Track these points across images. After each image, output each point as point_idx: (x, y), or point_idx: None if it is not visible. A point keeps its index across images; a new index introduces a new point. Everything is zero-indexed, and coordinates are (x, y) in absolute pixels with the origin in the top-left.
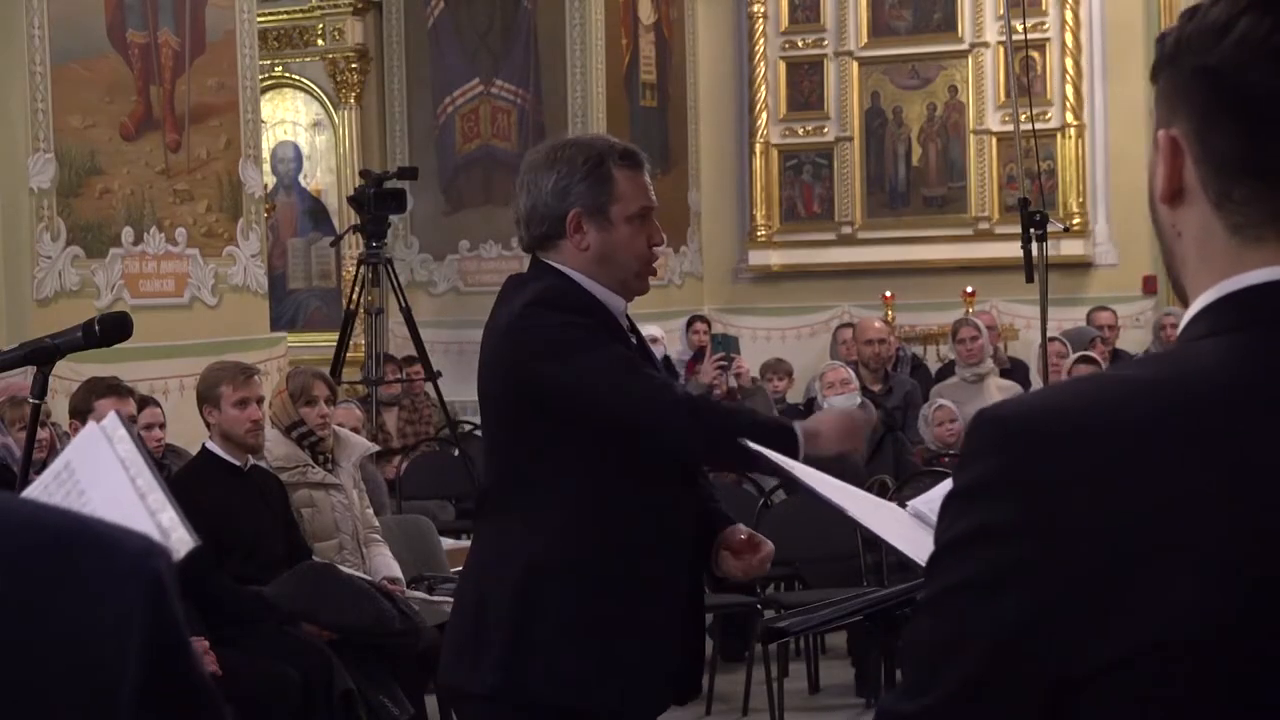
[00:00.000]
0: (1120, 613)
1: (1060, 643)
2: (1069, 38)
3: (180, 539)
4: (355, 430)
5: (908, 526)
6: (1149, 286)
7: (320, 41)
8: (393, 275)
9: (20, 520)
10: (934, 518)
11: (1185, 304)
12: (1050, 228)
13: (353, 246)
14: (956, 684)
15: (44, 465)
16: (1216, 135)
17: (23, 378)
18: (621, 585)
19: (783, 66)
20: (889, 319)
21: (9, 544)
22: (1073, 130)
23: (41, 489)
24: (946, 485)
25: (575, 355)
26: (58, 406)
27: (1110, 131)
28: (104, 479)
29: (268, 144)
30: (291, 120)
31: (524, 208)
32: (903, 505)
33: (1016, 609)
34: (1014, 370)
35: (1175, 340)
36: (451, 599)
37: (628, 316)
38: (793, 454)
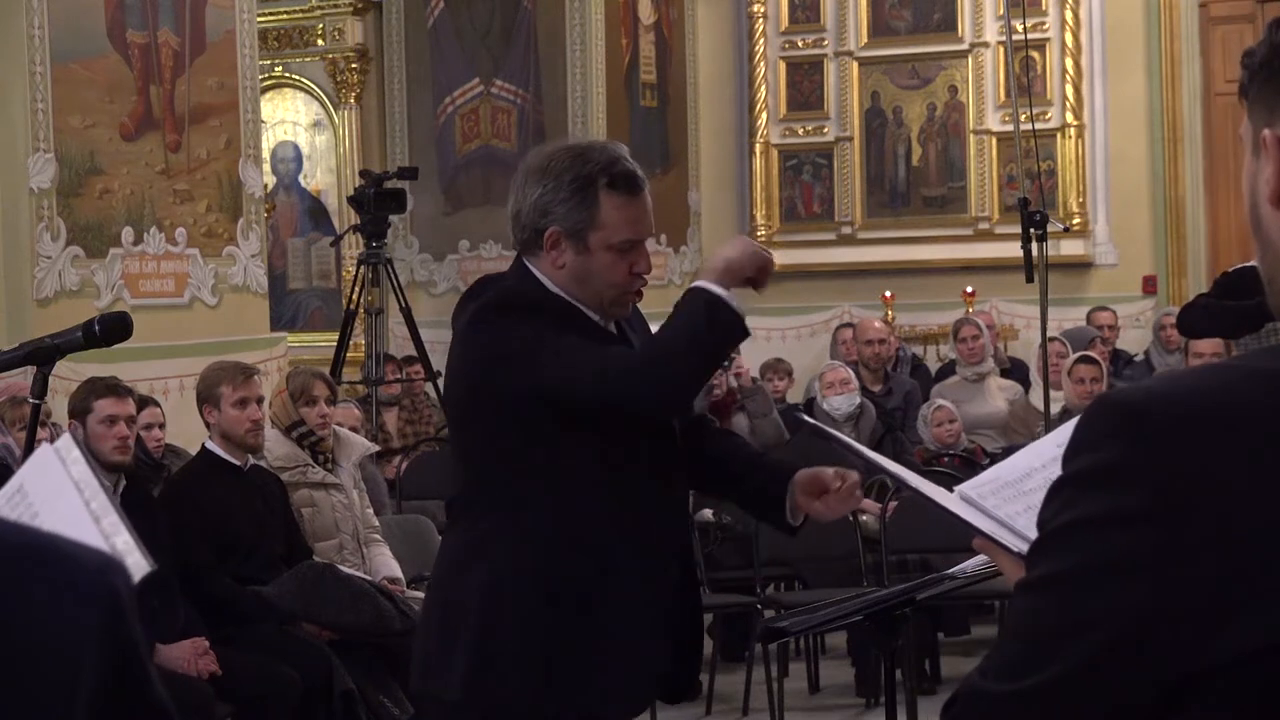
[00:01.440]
0: (1250, 608)
1: (1185, 636)
2: (1069, 38)
3: (136, 563)
4: (355, 430)
5: (962, 505)
6: (1149, 286)
7: (320, 41)
8: (393, 275)
9: None
10: (983, 501)
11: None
12: (1050, 228)
13: (353, 246)
14: (1065, 670)
15: None
16: None
17: (23, 378)
18: (587, 593)
19: (783, 66)
20: (889, 319)
21: None
22: (1073, 130)
23: None
24: (994, 472)
25: (526, 357)
26: (58, 406)
27: (1110, 131)
28: (57, 501)
29: (268, 144)
30: (291, 120)
31: (510, 210)
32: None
33: (1141, 598)
34: (1014, 370)
35: None
36: None
37: (619, 325)
38: (722, 304)
